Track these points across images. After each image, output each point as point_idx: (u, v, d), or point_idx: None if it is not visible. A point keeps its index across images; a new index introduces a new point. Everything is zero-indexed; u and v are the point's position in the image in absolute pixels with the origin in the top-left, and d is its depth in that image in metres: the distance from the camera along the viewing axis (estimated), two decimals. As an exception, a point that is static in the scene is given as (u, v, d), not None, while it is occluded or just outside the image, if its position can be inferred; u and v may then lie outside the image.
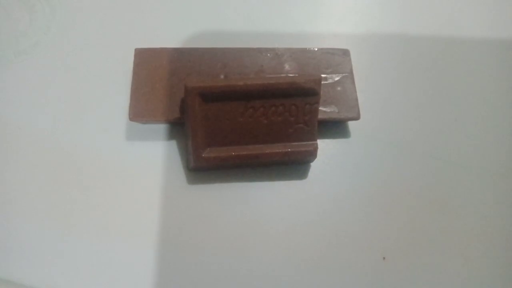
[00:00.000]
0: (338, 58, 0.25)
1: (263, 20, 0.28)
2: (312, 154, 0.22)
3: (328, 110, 0.23)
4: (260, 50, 0.24)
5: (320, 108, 0.22)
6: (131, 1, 0.27)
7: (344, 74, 0.24)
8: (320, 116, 0.22)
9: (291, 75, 0.24)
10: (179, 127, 0.23)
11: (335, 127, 0.25)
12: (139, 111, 0.22)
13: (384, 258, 0.22)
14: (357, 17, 0.29)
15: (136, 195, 0.22)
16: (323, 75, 0.24)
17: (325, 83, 0.24)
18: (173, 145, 0.23)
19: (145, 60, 0.23)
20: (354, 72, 0.25)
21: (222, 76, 0.23)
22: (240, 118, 0.21)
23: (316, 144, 0.22)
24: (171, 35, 0.26)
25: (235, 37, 0.27)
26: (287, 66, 0.24)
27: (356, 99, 0.24)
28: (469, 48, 0.28)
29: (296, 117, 0.22)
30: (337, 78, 0.24)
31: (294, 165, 0.23)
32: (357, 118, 0.24)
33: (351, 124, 0.25)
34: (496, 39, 0.29)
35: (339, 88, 0.24)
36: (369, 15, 0.29)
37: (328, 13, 0.29)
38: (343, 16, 0.29)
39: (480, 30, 0.29)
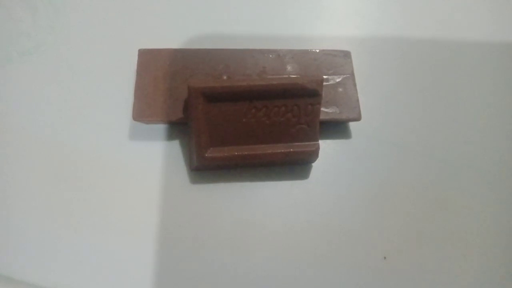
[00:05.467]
0: (340, 59, 0.25)
1: (265, 23, 0.28)
2: (314, 154, 0.22)
3: (330, 111, 0.24)
4: (262, 52, 0.25)
5: (322, 109, 0.23)
6: (134, 2, 0.28)
7: (345, 76, 0.25)
8: (321, 116, 0.22)
9: (293, 76, 0.24)
10: (182, 127, 0.23)
11: (337, 128, 0.25)
12: (143, 111, 0.22)
13: (385, 258, 0.22)
14: (358, 20, 0.29)
15: (139, 194, 0.22)
16: (324, 76, 0.24)
17: (327, 84, 0.24)
18: (176, 145, 0.23)
19: (149, 60, 0.23)
20: (355, 73, 0.25)
21: (225, 77, 0.24)
22: (243, 119, 0.21)
23: (318, 144, 0.22)
24: (174, 36, 0.26)
25: (237, 39, 0.27)
26: (289, 67, 0.24)
27: (357, 100, 0.24)
28: (469, 50, 0.29)
29: (298, 118, 0.22)
30: (338, 79, 0.24)
31: (296, 165, 0.23)
32: (358, 119, 0.24)
33: (352, 125, 0.25)
34: (497, 40, 0.29)
35: (340, 89, 0.24)
36: (370, 18, 0.29)
37: (330, 16, 0.29)
38: (344, 19, 0.29)
39: (480, 32, 0.29)
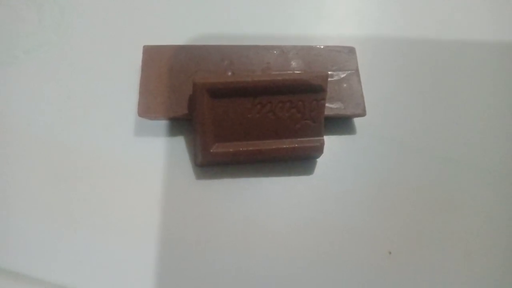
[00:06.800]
0: (344, 55, 0.25)
1: (270, 20, 0.28)
2: (318, 149, 0.22)
3: (334, 107, 0.24)
4: (266, 48, 0.25)
5: (327, 104, 0.23)
6: (139, 1, 0.28)
7: (350, 71, 0.25)
8: (326, 112, 0.22)
9: (297, 72, 0.24)
10: (187, 123, 0.23)
11: (341, 124, 0.25)
12: (148, 107, 0.22)
13: (390, 252, 0.22)
14: (362, 19, 0.29)
15: (143, 190, 0.22)
16: (329, 72, 0.24)
17: (331, 80, 0.24)
18: (181, 141, 0.23)
19: (153, 57, 0.23)
20: (360, 69, 0.25)
21: (229, 73, 0.24)
22: (247, 114, 0.21)
23: (323, 140, 0.22)
24: (179, 33, 0.26)
25: (242, 36, 0.27)
26: (293, 63, 0.24)
27: (362, 96, 0.24)
28: (474, 47, 0.29)
29: (303, 113, 0.22)
30: (343, 75, 0.24)
31: (301, 160, 0.23)
32: (362, 114, 0.24)
33: (356, 121, 0.25)
34: (502, 38, 0.29)
35: (345, 85, 0.24)
36: (374, 15, 0.29)
37: (333, 15, 0.29)
38: (348, 18, 0.29)
39: (485, 29, 0.29)
